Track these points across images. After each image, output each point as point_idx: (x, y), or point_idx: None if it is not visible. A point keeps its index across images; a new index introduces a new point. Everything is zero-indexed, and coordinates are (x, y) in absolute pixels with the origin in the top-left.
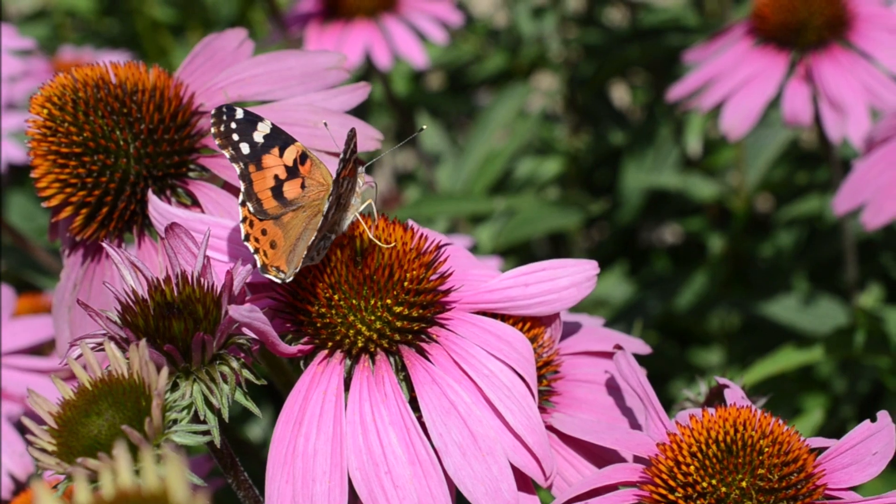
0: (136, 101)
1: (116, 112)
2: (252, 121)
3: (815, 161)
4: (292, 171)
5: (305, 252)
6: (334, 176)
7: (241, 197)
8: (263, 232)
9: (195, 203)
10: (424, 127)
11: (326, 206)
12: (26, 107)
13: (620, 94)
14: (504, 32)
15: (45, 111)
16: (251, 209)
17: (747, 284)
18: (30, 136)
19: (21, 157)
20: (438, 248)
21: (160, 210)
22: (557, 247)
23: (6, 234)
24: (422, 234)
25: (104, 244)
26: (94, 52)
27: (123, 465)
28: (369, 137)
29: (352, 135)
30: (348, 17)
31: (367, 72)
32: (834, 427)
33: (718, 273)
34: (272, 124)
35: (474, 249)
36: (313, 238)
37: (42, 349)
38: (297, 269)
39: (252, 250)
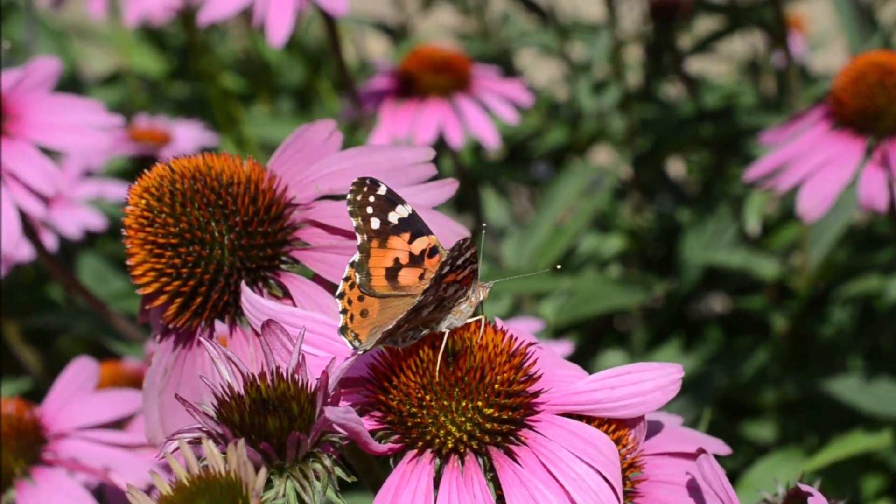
0: (232, 194)
1: (213, 204)
2: (392, 201)
3: (875, 242)
4: (415, 260)
5: (389, 333)
6: (436, 275)
7: (351, 261)
8: (360, 299)
9: (286, 295)
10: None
11: (417, 301)
12: (103, 175)
13: (675, 166)
14: (564, 106)
15: (143, 202)
16: (358, 279)
17: (806, 361)
18: (127, 225)
19: (98, 224)
20: (527, 350)
21: (252, 302)
22: (612, 315)
23: (81, 298)
24: (511, 336)
25: (202, 339)
26: (167, 121)
27: None
28: (456, 234)
29: (467, 244)
30: (422, 96)
31: (436, 146)
32: None
33: (779, 350)
34: (413, 210)
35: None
36: (396, 323)
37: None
38: (373, 347)
39: (340, 309)
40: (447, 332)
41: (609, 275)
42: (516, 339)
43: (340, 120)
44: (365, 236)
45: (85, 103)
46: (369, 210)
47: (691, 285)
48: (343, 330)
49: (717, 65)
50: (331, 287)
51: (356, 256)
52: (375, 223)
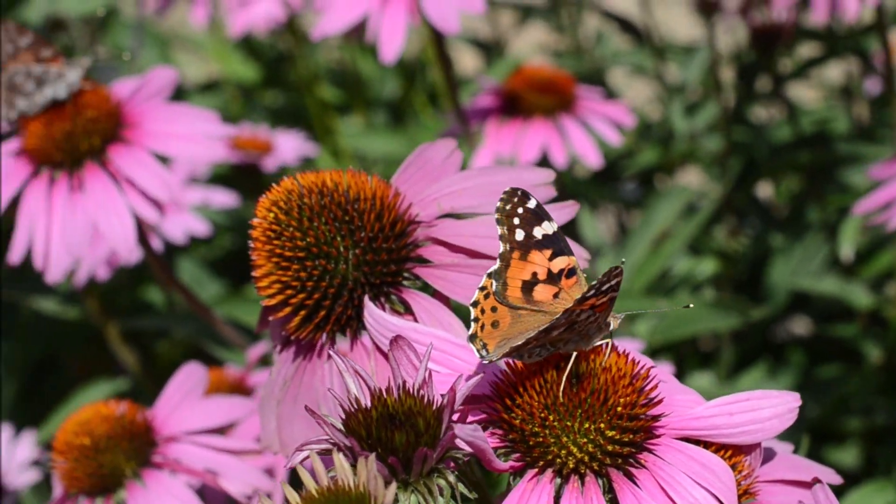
0: (358, 210)
1: (339, 219)
2: (539, 216)
3: None
4: (552, 278)
5: (516, 349)
6: (580, 297)
7: (490, 270)
8: (493, 309)
9: (408, 311)
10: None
11: (551, 322)
12: (206, 181)
13: (763, 189)
14: (656, 126)
15: (272, 215)
16: (494, 287)
17: None
18: (253, 238)
19: (202, 230)
20: (649, 373)
21: (375, 317)
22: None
23: (186, 301)
24: (633, 359)
25: (331, 352)
26: (269, 130)
27: None
28: (580, 258)
29: (616, 272)
30: (526, 115)
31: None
32: None
33: (873, 380)
34: (558, 228)
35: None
36: (526, 340)
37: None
38: (499, 359)
39: (472, 317)
40: (574, 354)
41: (703, 297)
42: (638, 362)
43: (446, 136)
44: (507, 246)
45: (200, 113)
46: (516, 221)
47: (778, 308)
48: (472, 338)
49: (809, 90)
50: (450, 304)
51: (496, 265)
52: (520, 235)
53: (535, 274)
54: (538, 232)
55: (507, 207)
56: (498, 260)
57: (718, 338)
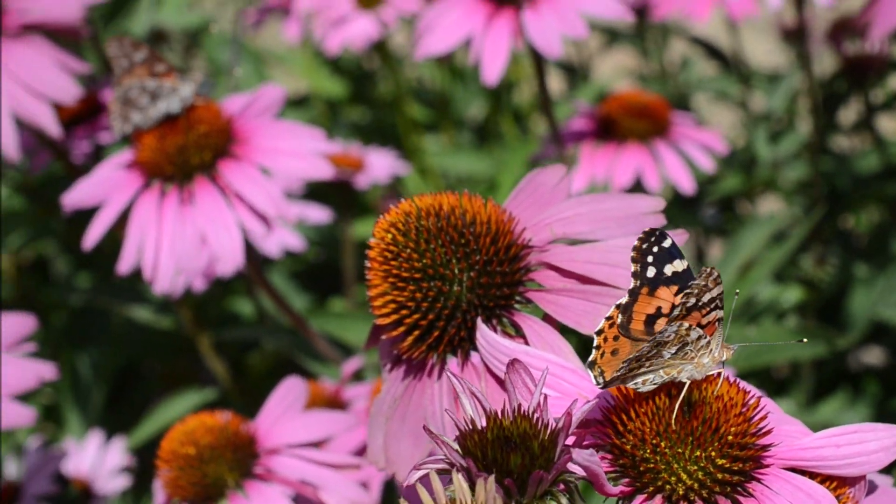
0: (474, 234)
1: (455, 242)
2: (672, 254)
3: None
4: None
5: (630, 369)
6: (681, 303)
7: (618, 302)
8: (615, 339)
9: (518, 333)
10: None
11: (645, 347)
12: (299, 197)
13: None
14: (739, 152)
15: (389, 236)
16: (620, 320)
17: None
18: (370, 257)
19: (298, 246)
20: (759, 403)
21: (488, 339)
22: None
23: (283, 315)
24: (744, 389)
25: (449, 374)
26: (361, 148)
27: None
28: None
29: (714, 276)
30: (621, 140)
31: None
32: None
33: None
34: (688, 266)
35: None
36: (638, 354)
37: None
38: (614, 385)
39: (595, 344)
40: (687, 382)
41: (788, 325)
42: (748, 392)
43: (541, 159)
44: (638, 282)
45: (307, 130)
46: (650, 259)
47: (857, 337)
48: (591, 364)
49: (891, 122)
50: (560, 328)
51: (624, 298)
52: (651, 272)
53: (659, 308)
54: (668, 269)
55: (644, 246)
56: (627, 295)
57: (794, 365)
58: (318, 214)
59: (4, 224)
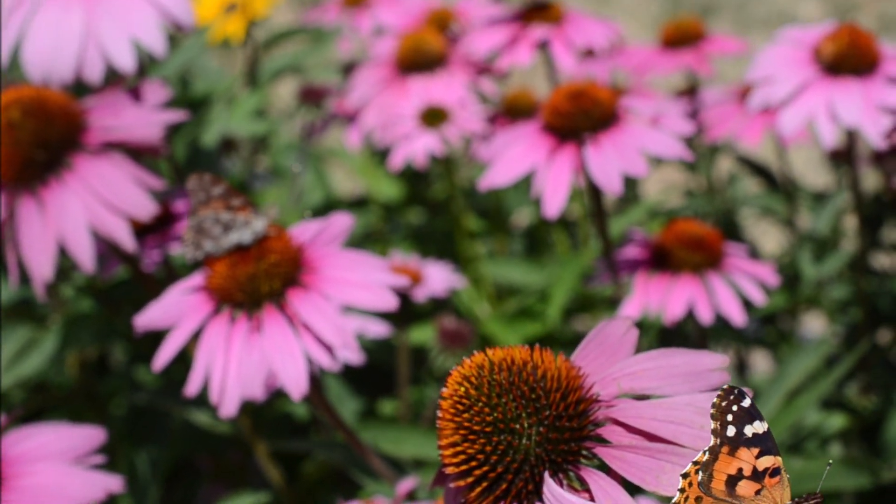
0: (545, 389)
1: (526, 397)
2: (752, 415)
3: None
4: (756, 476)
5: None
6: None
7: (696, 459)
8: (697, 500)
9: (584, 488)
10: None
11: None
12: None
13: (882, 335)
14: (784, 268)
15: (462, 389)
16: (700, 478)
17: None
18: (442, 408)
19: (357, 360)
20: None
21: (555, 493)
22: None
23: (334, 426)
24: None
25: None
26: (419, 260)
27: None
28: None
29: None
30: (675, 271)
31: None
32: None
33: None
34: (768, 428)
35: None
36: None
37: None
38: None
39: (674, 502)
40: None
41: (832, 453)
42: None
43: (594, 283)
44: (718, 440)
45: (374, 261)
46: (729, 417)
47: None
48: None
49: None
50: (625, 484)
51: (704, 456)
52: (731, 431)
53: (740, 470)
54: (749, 430)
55: (723, 404)
56: (707, 453)
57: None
58: (378, 329)
59: (73, 327)
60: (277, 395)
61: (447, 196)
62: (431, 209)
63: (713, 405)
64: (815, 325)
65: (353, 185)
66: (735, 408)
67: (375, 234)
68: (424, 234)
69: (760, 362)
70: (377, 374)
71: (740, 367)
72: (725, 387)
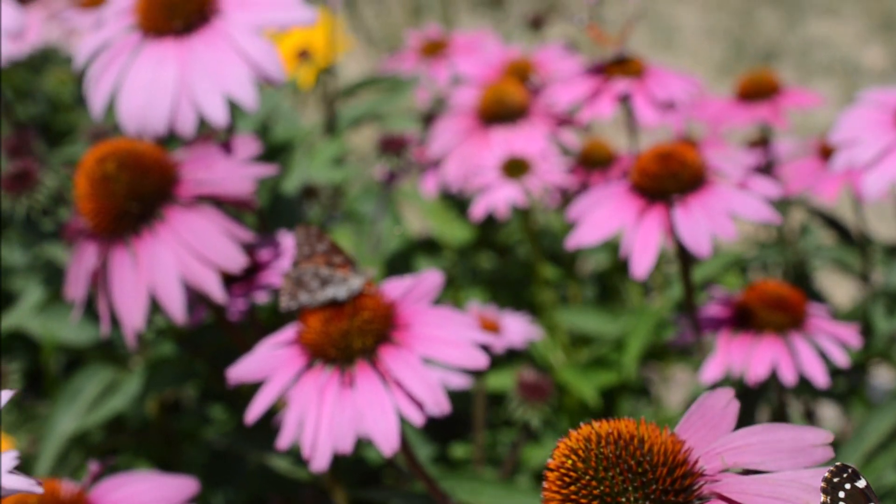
0: (651, 463)
1: (633, 471)
2: (867, 497)
3: None
4: None
5: None
6: None
7: None
8: None
9: None
10: None
11: None
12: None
13: None
14: (855, 319)
15: (570, 462)
16: None
17: None
18: (548, 479)
19: (442, 412)
20: None
21: None
22: None
23: (415, 477)
24: None
25: None
26: (496, 311)
27: None
28: None
29: None
30: (758, 330)
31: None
32: None
33: None
34: None
35: None
36: None
37: None
38: None
39: None
40: None
41: None
42: None
43: (677, 342)
44: None
45: (463, 318)
46: (841, 495)
47: None
48: None
49: None
50: None
51: None
52: None
53: None
54: None
55: (835, 480)
56: None
57: None
58: (459, 381)
59: (156, 370)
60: (356, 442)
61: (516, 240)
62: (500, 252)
63: (825, 480)
64: (884, 375)
65: (420, 226)
66: (848, 486)
67: (447, 278)
68: (497, 280)
69: (828, 412)
70: (448, 418)
71: (808, 416)
72: (838, 464)
